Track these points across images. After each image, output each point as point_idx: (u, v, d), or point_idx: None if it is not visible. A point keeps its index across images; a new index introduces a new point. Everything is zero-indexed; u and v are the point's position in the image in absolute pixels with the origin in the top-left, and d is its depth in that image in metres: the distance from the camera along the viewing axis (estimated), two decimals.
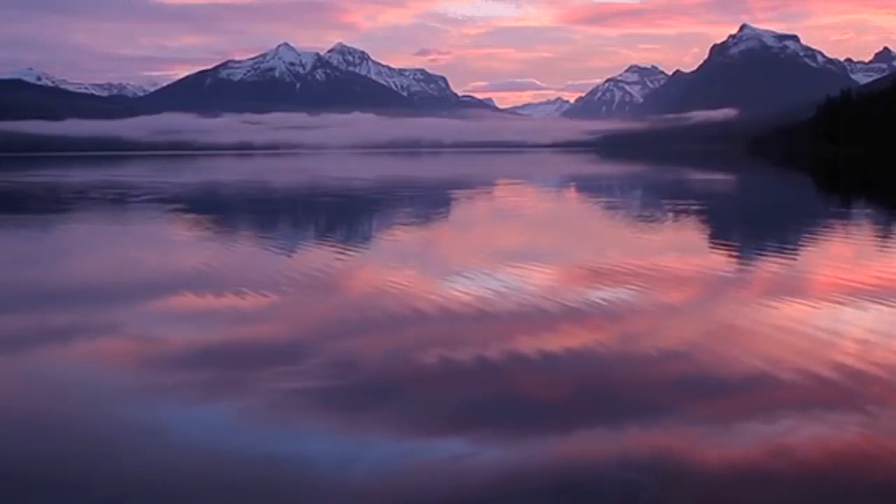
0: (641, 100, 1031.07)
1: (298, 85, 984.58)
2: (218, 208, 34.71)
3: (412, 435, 6.35)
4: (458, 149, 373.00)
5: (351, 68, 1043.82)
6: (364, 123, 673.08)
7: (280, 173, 79.45)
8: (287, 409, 6.96)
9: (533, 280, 13.05)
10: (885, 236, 19.93)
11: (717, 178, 59.52)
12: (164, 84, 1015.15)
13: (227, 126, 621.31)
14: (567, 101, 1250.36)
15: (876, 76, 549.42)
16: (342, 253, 17.18)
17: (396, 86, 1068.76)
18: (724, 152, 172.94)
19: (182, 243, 19.96)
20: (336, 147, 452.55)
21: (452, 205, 34.26)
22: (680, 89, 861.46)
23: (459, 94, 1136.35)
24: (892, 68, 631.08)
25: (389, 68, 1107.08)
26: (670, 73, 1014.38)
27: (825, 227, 22.05)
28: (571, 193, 44.96)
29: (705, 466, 5.67)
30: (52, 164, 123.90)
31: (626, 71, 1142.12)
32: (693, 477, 5.51)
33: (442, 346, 8.87)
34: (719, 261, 15.83)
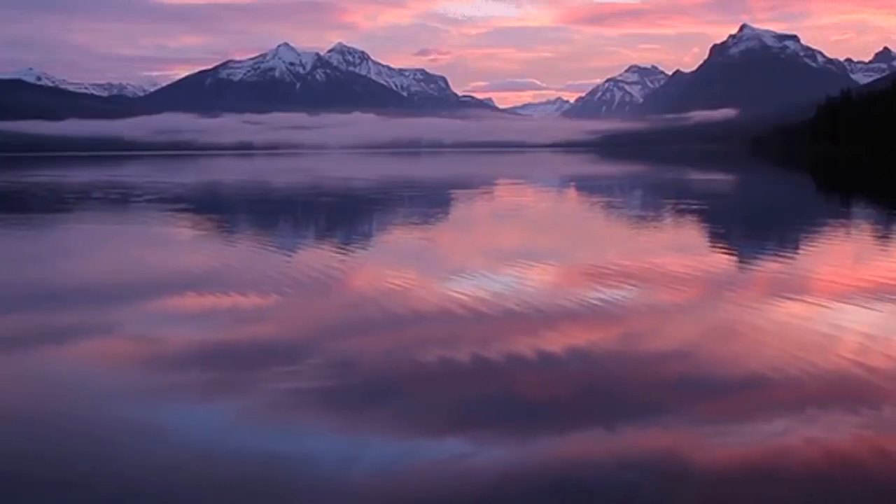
0: (641, 100, 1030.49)
1: (298, 85, 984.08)
2: (219, 208, 34.71)
3: (412, 435, 6.35)
4: (458, 149, 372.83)
5: (351, 68, 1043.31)
6: (364, 123, 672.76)
7: (280, 173, 79.43)
8: (287, 409, 6.96)
9: (533, 280, 13.05)
10: (885, 237, 19.93)
11: (717, 179, 59.50)
12: (164, 84, 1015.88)
13: (227, 126, 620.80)
14: (567, 101, 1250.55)
15: (876, 76, 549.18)
16: (343, 253, 17.18)
17: (396, 86, 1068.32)
18: (724, 152, 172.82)
19: (183, 244, 19.97)
20: (336, 147, 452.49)
21: (453, 205, 34.26)
22: (680, 89, 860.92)
23: (459, 94, 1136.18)
24: (892, 68, 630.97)
25: (389, 68, 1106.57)
26: (670, 73, 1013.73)
27: (825, 227, 22.04)
28: (572, 193, 44.95)
29: (705, 466, 5.67)
30: (52, 164, 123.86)
31: (626, 71, 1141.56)
32: (693, 477, 5.52)
33: (442, 346, 8.88)
34: (719, 261, 15.84)
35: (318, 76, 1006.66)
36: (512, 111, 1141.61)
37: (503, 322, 10.13)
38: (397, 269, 14.34)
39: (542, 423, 6.52)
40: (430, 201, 36.24)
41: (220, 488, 5.47)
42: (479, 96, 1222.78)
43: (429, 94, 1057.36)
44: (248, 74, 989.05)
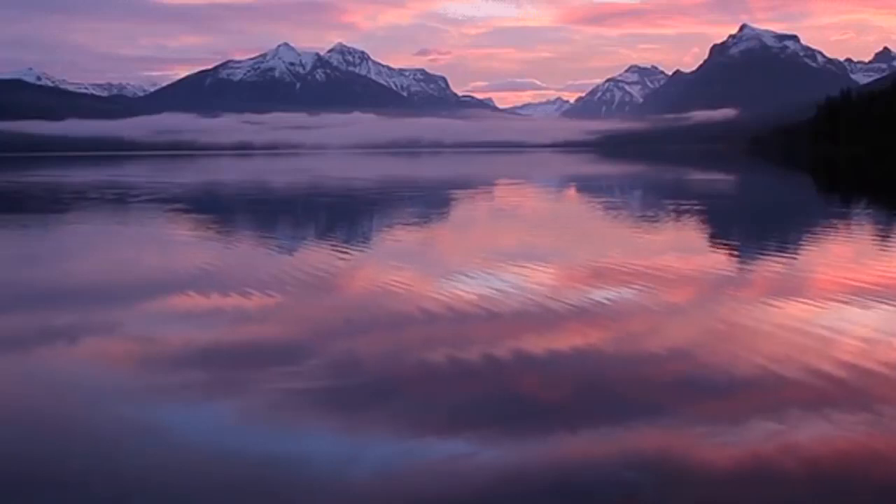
0: (641, 100, 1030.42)
1: (298, 85, 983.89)
2: (218, 208, 34.70)
3: (412, 435, 6.34)
4: (458, 149, 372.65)
5: (351, 68, 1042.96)
6: (364, 123, 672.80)
7: (280, 173, 79.43)
8: (287, 409, 6.95)
9: (533, 280, 13.05)
10: (884, 236, 19.92)
11: (716, 179, 59.50)
12: (164, 84, 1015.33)
13: (227, 126, 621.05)
14: (567, 101, 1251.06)
15: (876, 76, 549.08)
16: (343, 253, 17.17)
17: (396, 86, 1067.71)
18: (724, 152, 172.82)
19: (183, 243, 19.96)
20: (336, 147, 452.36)
21: (453, 205, 34.25)
22: (680, 89, 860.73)
23: (459, 94, 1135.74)
24: (892, 68, 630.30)
25: (389, 68, 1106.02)
26: (670, 73, 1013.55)
27: (825, 227, 22.06)
28: (572, 193, 44.95)
29: (705, 466, 5.68)
30: (52, 164, 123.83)
31: (626, 71, 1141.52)
32: (693, 477, 5.52)
33: (442, 346, 8.87)
34: (720, 261, 15.83)
35: (318, 76, 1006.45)
36: (512, 111, 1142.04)
37: (502, 322, 10.12)
38: (397, 270, 14.33)
39: (542, 423, 6.50)
40: (430, 202, 36.22)
41: (219, 488, 5.46)
42: (479, 96, 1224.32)
43: (429, 94, 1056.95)
44: (248, 74, 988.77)
